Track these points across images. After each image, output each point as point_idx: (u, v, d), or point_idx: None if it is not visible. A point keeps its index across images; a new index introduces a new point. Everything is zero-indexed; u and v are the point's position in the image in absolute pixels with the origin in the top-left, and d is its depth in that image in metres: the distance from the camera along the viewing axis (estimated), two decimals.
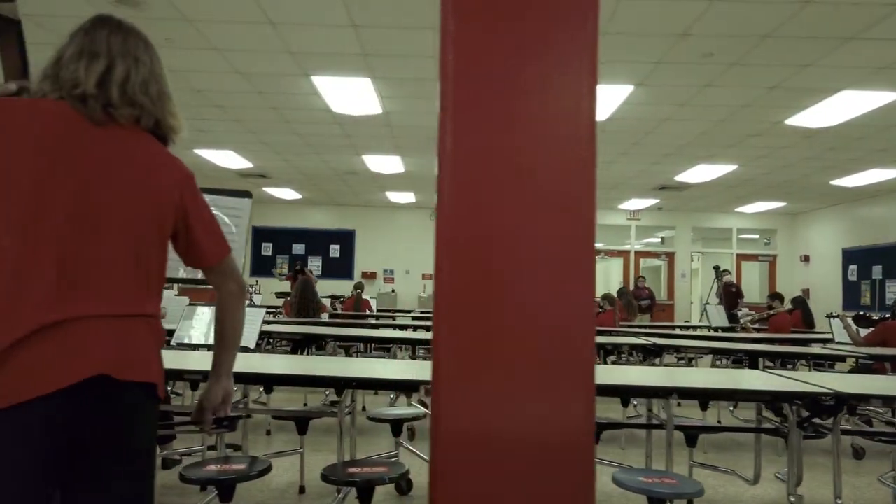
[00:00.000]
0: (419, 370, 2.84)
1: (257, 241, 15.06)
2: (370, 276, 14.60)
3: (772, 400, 2.66)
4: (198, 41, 5.05)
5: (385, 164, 9.73)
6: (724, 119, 6.75)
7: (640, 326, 8.33)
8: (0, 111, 1.20)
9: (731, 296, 11.38)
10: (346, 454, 3.04)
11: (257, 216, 15.11)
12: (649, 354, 4.96)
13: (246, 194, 2.39)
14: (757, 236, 14.66)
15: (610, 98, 6.11)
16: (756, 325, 8.16)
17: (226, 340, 1.48)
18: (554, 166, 1.25)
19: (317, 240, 14.99)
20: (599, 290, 14.14)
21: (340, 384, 2.52)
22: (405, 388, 2.63)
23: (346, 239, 15.09)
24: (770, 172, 9.49)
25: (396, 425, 3.24)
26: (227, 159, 9.75)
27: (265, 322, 4.92)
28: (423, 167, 9.99)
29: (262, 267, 14.17)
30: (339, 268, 14.82)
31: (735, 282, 12.07)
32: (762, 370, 3.98)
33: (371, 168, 10.14)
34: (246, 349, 4.20)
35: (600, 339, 5.72)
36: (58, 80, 1.25)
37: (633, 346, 5.02)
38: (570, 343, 1.21)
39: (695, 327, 10.25)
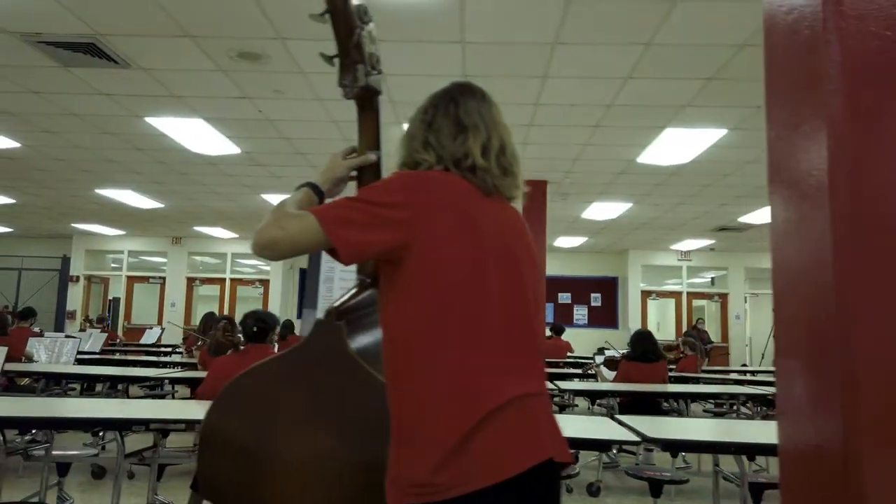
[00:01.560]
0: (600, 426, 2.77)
1: (304, 283, 15.12)
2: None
3: None
4: (305, 92, 5.15)
5: None
6: None
7: (714, 371, 8.13)
8: (425, 183, 1.19)
9: None
10: None
11: (304, 258, 15.19)
12: (768, 405, 4.81)
13: None
14: None
15: (698, 142, 6.10)
16: None
17: None
18: None
19: None
20: (657, 333, 13.92)
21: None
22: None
23: None
24: None
25: (656, 486, 3.12)
26: None
27: None
28: None
29: None
30: None
31: None
32: None
33: None
34: None
35: (696, 388, 5.58)
36: (439, 151, 1.24)
37: (748, 396, 4.87)
38: None
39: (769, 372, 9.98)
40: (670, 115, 5.42)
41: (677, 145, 6.21)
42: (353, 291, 1.32)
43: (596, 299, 14.63)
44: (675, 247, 13.24)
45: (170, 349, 8.59)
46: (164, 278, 14.48)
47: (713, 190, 8.13)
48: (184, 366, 5.81)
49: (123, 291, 14.52)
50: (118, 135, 6.50)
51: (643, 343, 5.26)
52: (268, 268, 14.55)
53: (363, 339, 1.26)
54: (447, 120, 1.27)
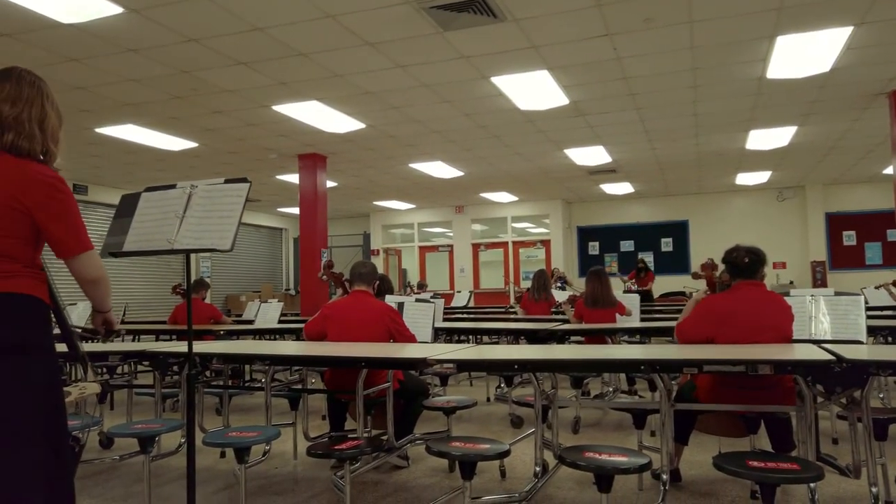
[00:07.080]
0: None
1: (583, 241, 14.87)
2: (713, 267, 13.38)
3: None
4: (681, 15, 4.67)
5: (771, 138, 8.63)
6: None
7: None
8: None
9: None
10: None
11: (582, 216, 14.93)
12: None
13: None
14: None
15: None
16: None
17: None
18: None
19: (646, 234, 14.28)
20: None
21: None
22: None
23: (678, 231, 14.13)
24: None
25: None
26: (592, 156, 9.55)
27: None
28: (818, 135, 8.64)
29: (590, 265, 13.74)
30: (674, 262, 13.90)
31: None
32: None
33: (747, 146, 9.12)
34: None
35: None
36: None
37: None
38: None
39: None
40: None
41: None
42: None
43: (893, 235, 12.63)
44: None
45: (502, 309, 8.97)
46: (451, 246, 15.31)
47: None
48: (553, 321, 5.88)
49: (416, 261, 15.67)
50: (456, 102, 6.68)
51: None
52: (545, 230, 14.56)
53: None
54: None
